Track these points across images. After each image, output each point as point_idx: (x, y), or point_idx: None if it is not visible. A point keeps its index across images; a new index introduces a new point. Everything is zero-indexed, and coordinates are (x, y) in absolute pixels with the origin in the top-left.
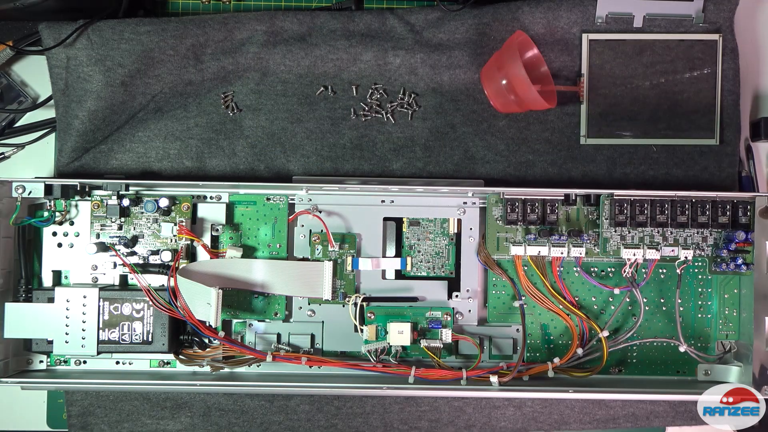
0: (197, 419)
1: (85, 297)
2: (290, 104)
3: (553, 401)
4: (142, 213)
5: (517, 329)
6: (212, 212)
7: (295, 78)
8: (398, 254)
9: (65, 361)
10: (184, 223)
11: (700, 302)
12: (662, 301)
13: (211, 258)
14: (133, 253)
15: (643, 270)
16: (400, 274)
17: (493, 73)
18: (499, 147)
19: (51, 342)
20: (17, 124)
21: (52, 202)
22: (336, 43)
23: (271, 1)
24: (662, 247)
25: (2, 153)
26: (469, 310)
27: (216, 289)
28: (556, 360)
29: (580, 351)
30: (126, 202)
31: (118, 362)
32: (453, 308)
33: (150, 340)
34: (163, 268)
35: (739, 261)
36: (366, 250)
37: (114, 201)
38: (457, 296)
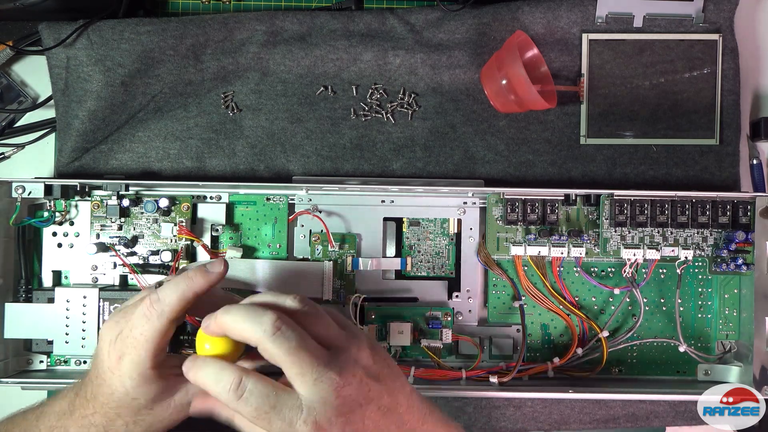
0: (197, 419)
1: (85, 297)
2: (290, 104)
3: (553, 401)
4: (142, 213)
5: (517, 329)
6: (212, 212)
7: (295, 78)
8: (398, 254)
9: (65, 361)
10: (184, 224)
11: (700, 302)
12: (662, 301)
13: (211, 258)
14: (133, 254)
15: (643, 270)
16: (400, 274)
17: (493, 73)
18: (499, 147)
19: (51, 342)
20: (17, 124)
21: (52, 202)
22: (336, 43)
23: (271, 1)
24: (662, 247)
25: (2, 153)
26: (469, 310)
27: None
28: (556, 360)
29: (579, 351)
30: (126, 202)
31: None
32: (453, 308)
33: None
34: (163, 269)
35: (740, 261)
36: (366, 250)
37: (114, 201)
38: (457, 296)
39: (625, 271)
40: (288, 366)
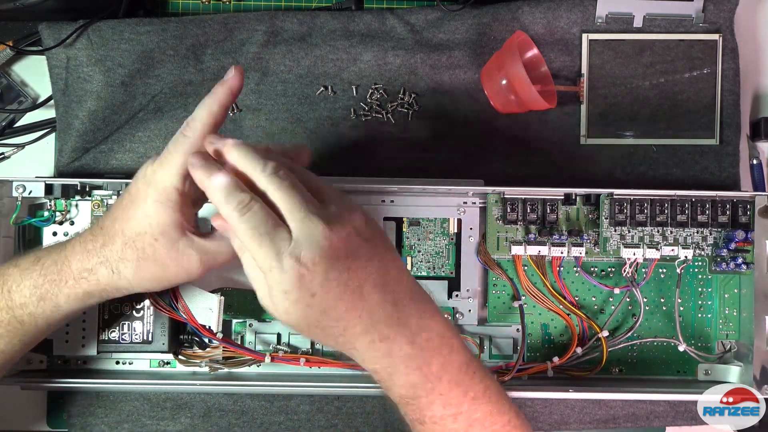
0: (197, 420)
1: None
2: (290, 104)
3: (553, 401)
4: None
5: (517, 329)
6: (212, 212)
7: (295, 78)
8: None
9: (65, 361)
10: None
11: (700, 302)
12: (662, 300)
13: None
14: None
15: (643, 269)
16: None
17: (493, 73)
18: (499, 147)
19: (50, 342)
20: (17, 124)
21: (53, 201)
22: (336, 43)
23: (271, 1)
24: (662, 246)
25: (2, 153)
26: (469, 310)
27: (218, 297)
28: (556, 359)
29: (579, 350)
30: None
31: (118, 362)
32: (453, 308)
33: (150, 339)
34: None
35: (739, 260)
36: None
37: (114, 201)
38: (457, 296)
39: (624, 271)
40: (280, 202)
